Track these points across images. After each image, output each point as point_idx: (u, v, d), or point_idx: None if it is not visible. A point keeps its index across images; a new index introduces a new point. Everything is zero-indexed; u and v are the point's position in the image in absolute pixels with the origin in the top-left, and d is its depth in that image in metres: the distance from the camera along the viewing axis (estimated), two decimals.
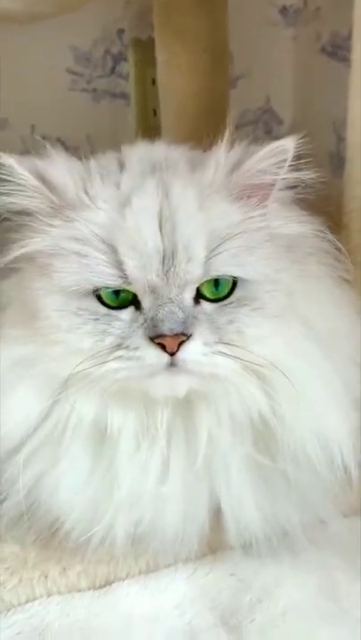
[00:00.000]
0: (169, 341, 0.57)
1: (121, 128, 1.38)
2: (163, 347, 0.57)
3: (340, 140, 1.25)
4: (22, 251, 0.61)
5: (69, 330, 0.59)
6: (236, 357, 0.59)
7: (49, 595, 0.67)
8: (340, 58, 1.25)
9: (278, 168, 0.61)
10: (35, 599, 0.67)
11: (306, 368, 0.62)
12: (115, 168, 0.64)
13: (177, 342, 0.57)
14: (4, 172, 0.59)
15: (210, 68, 1.11)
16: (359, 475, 0.66)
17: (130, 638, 0.63)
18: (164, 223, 0.58)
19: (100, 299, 0.60)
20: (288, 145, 0.60)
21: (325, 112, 1.28)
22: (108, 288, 0.59)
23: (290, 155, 0.60)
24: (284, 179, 0.62)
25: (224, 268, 0.59)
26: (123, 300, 0.60)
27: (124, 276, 0.58)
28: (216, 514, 0.66)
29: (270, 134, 1.43)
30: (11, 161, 0.59)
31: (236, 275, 0.60)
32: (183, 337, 0.57)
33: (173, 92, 1.13)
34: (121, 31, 1.38)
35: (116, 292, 0.60)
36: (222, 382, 0.60)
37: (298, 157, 0.61)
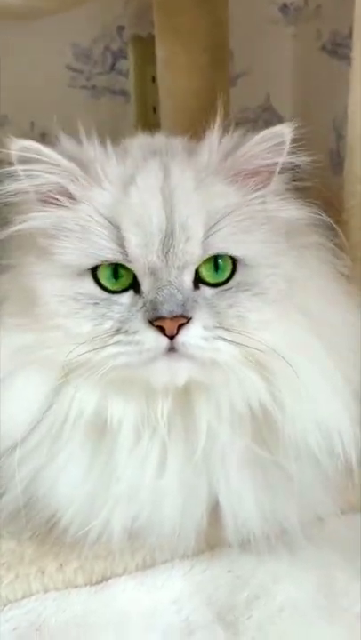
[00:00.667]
0: (168, 324, 0.57)
1: (121, 125, 1.37)
2: (162, 330, 0.57)
3: (340, 137, 1.25)
4: (27, 225, 0.62)
5: (68, 315, 0.59)
6: (236, 343, 0.59)
7: (46, 590, 0.67)
8: (341, 56, 1.25)
9: (275, 153, 0.62)
10: (31, 595, 0.67)
11: (306, 357, 0.62)
12: (118, 153, 0.65)
13: (176, 325, 0.57)
14: (30, 154, 0.60)
15: (210, 65, 1.11)
16: (359, 471, 0.66)
17: (126, 634, 0.62)
18: (165, 202, 0.59)
19: (98, 283, 0.60)
20: (284, 130, 0.61)
21: (325, 110, 1.28)
22: (107, 261, 0.59)
23: (287, 140, 0.61)
24: (282, 163, 0.63)
25: (222, 245, 0.59)
26: (122, 283, 0.60)
27: (125, 253, 0.58)
28: (214, 509, 0.66)
29: None
30: (33, 143, 0.60)
31: (233, 253, 0.60)
32: (183, 319, 0.57)
33: (173, 90, 1.13)
34: (121, 28, 1.38)
35: (115, 274, 0.60)
36: (222, 371, 0.60)
37: (296, 143, 0.62)
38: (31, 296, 0.61)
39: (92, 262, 0.60)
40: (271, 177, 0.63)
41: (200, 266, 0.60)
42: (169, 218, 0.58)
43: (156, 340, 0.57)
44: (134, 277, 0.60)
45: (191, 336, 0.57)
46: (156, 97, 1.19)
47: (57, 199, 0.61)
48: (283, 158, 0.62)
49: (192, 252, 0.59)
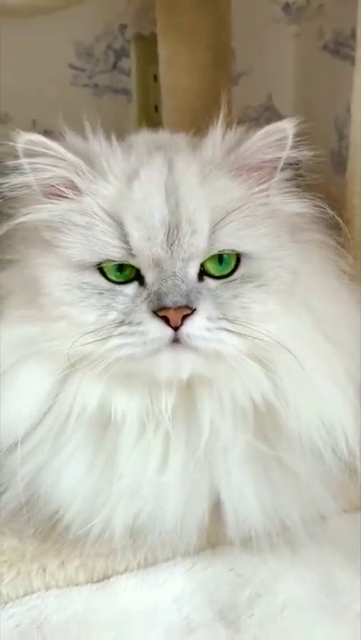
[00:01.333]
0: (172, 314, 0.57)
1: (122, 124, 1.37)
2: (166, 320, 0.57)
3: (342, 137, 1.25)
4: (32, 217, 0.62)
5: (73, 303, 0.60)
6: (240, 334, 0.59)
7: (47, 588, 0.67)
8: (343, 55, 1.25)
9: (278, 148, 0.62)
10: (33, 592, 0.67)
11: (309, 350, 0.62)
12: (123, 148, 0.65)
13: (180, 315, 0.57)
14: (36, 148, 0.60)
15: (212, 65, 1.11)
16: None
17: (127, 632, 0.62)
18: (169, 197, 0.59)
19: (103, 274, 0.60)
20: (286, 126, 0.62)
21: (327, 109, 1.28)
22: (112, 261, 0.59)
23: (289, 135, 0.62)
24: (285, 158, 0.63)
25: (228, 241, 0.60)
26: (126, 276, 0.60)
27: (128, 249, 0.59)
28: (216, 506, 0.66)
29: None
30: (39, 137, 0.60)
31: (239, 249, 0.60)
32: (187, 310, 0.57)
33: (175, 89, 1.13)
34: (123, 27, 1.38)
35: (120, 268, 0.60)
36: (226, 364, 0.60)
37: (298, 138, 0.62)
38: (35, 286, 0.61)
39: (95, 260, 0.60)
40: (274, 172, 0.64)
41: (205, 261, 0.60)
42: (174, 212, 0.58)
43: (161, 331, 0.57)
44: (138, 270, 0.60)
45: (195, 327, 0.57)
46: (158, 96, 1.19)
47: (62, 192, 0.61)
48: (285, 153, 0.63)
49: (198, 245, 0.59)
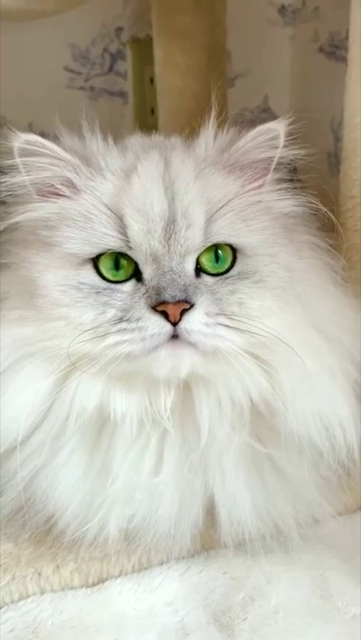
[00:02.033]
0: (171, 308, 0.57)
1: (119, 127, 1.37)
2: (165, 316, 0.57)
3: (338, 139, 1.25)
4: (29, 215, 0.63)
5: (70, 304, 0.60)
6: (238, 330, 0.59)
7: (42, 592, 0.67)
8: (338, 57, 1.25)
9: (270, 147, 0.64)
10: (28, 597, 0.67)
11: (306, 346, 0.62)
12: (118, 148, 0.66)
13: (179, 310, 0.57)
14: (33, 147, 0.61)
15: (208, 66, 1.11)
16: (356, 473, 0.67)
17: (122, 636, 0.62)
18: (166, 191, 0.60)
19: (100, 273, 0.61)
20: (278, 126, 0.63)
21: (323, 111, 1.28)
22: (110, 250, 0.60)
23: (281, 135, 0.63)
24: (278, 157, 0.64)
25: (223, 234, 0.60)
26: (122, 274, 0.60)
27: (127, 241, 0.59)
28: (210, 511, 0.66)
29: None
30: (36, 137, 0.61)
31: (234, 241, 0.61)
32: (185, 305, 0.57)
33: (171, 91, 1.13)
34: (119, 29, 1.38)
35: (116, 265, 0.60)
36: (224, 362, 0.60)
37: (291, 137, 0.63)
38: (33, 287, 0.61)
39: (94, 251, 0.60)
40: (267, 171, 0.64)
41: (201, 255, 0.61)
42: (170, 205, 0.59)
43: (160, 326, 0.57)
44: (135, 267, 0.60)
45: (194, 322, 0.57)
46: (155, 98, 1.19)
47: (59, 190, 0.62)
48: (278, 152, 0.64)
49: (193, 239, 0.59)
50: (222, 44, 1.14)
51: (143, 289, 0.59)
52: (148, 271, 0.59)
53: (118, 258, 0.60)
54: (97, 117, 0.67)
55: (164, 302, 0.57)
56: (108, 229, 0.59)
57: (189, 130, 0.69)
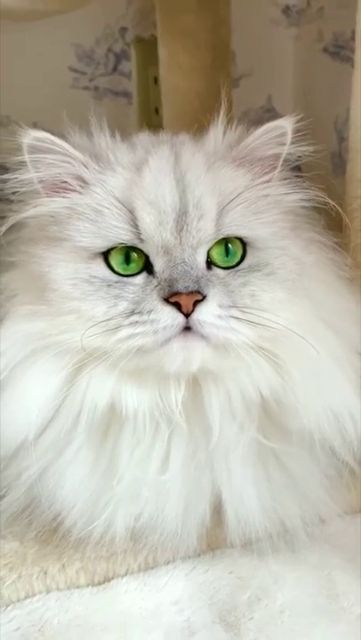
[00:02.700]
0: (184, 299, 0.57)
1: (123, 126, 1.38)
2: (178, 307, 0.57)
3: (342, 139, 1.25)
4: (40, 210, 0.63)
5: (81, 297, 0.60)
6: (251, 322, 0.59)
7: (48, 591, 0.68)
8: (343, 58, 1.25)
9: (278, 144, 0.64)
10: (34, 595, 0.67)
11: (316, 339, 0.62)
12: (126, 144, 0.67)
13: (192, 300, 0.57)
14: (42, 144, 0.61)
15: (212, 67, 1.11)
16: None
17: (128, 635, 0.63)
18: (177, 184, 0.60)
19: (110, 267, 0.60)
20: (285, 123, 0.64)
21: (328, 111, 1.28)
22: (121, 243, 0.60)
23: (289, 132, 0.64)
24: (286, 154, 0.65)
25: (235, 225, 0.61)
26: (133, 268, 0.60)
27: (138, 233, 0.59)
28: (217, 509, 0.66)
29: None
30: (45, 134, 0.61)
31: (245, 234, 0.61)
32: (198, 295, 0.57)
33: (175, 91, 1.13)
34: (124, 29, 1.38)
35: (127, 259, 0.60)
36: (234, 358, 0.60)
37: (298, 134, 0.64)
38: (43, 281, 0.61)
39: (105, 244, 0.60)
40: (275, 167, 0.65)
41: (211, 249, 0.61)
42: (182, 197, 0.59)
43: (173, 317, 0.57)
44: (146, 260, 0.60)
45: (207, 313, 0.57)
46: (159, 98, 1.19)
47: (70, 185, 0.62)
48: (285, 149, 0.64)
49: (205, 230, 0.59)
50: (227, 43, 1.14)
51: (155, 281, 0.59)
52: (159, 263, 0.60)
53: (129, 252, 0.60)
54: (101, 117, 0.67)
55: (176, 293, 0.57)
56: (119, 222, 0.59)
57: (197, 127, 0.69)
